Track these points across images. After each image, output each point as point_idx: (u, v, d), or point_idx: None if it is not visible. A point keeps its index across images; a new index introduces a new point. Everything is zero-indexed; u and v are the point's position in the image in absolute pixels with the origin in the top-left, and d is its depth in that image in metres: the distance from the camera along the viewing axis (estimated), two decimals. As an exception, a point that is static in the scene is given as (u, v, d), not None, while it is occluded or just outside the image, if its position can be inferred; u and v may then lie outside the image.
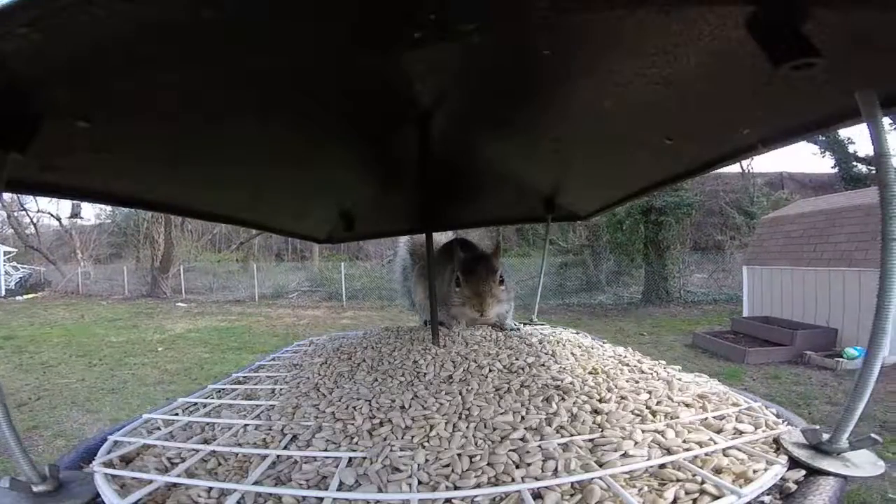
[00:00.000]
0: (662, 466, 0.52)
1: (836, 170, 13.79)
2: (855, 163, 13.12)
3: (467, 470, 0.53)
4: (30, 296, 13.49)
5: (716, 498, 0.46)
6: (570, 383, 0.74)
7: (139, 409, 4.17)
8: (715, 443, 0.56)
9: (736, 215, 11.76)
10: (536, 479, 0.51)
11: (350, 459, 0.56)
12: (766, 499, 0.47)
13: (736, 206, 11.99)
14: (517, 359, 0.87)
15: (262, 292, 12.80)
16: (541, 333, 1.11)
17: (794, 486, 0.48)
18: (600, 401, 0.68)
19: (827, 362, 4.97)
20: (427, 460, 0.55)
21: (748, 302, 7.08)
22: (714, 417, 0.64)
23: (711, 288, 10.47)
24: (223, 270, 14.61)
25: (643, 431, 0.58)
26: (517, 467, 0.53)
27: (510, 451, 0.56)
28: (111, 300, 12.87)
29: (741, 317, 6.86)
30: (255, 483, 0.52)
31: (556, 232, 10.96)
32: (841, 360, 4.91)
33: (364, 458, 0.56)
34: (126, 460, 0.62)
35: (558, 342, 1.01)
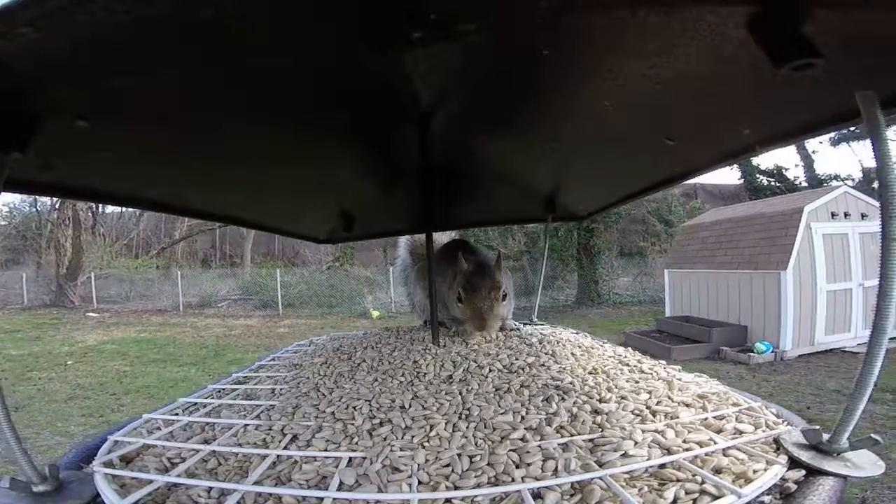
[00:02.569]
0: (662, 466, 0.52)
1: (741, 181, 14.91)
2: (758, 175, 14.22)
3: (467, 470, 0.53)
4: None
5: (716, 498, 0.46)
6: (570, 383, 0.74)
7: (48, 426, 3.82)
8: (715, 443, 0.56)
9: (656, 223, 12.73)
10: (536, 479, 0.51)
11: (350, 459, 0.56)
12: (766, 499, 0.47)
13: (656, 215, 12.84)
14: (517, 359, 0.87)
15: (188, 301, 11.86)
16: (541, 333, 1.11)
17: (794, 486, 0.48)
18: (600, 401, 0.68)
19: (740, 357, 5.52)
20: (427, 460, 0.55)
21: (670, 302, 7.72)
22: (714, 417, 0.64)
23: (636, 290, 11.46)
24: (141, 278, 13.32)
25: (643, 431, 0.58)
26: (517, 467, 0.53)
27: (510, 451, 0.56)
28: (7, 310, 11.45)
29: (665, 317, 7.47)
30: (256, 483, 0.52)
31: (496, 239, 11.39)
32: (752, 354, 5.44)
33: (364, 458, 0.56)
34: (126, 460, 0.62)
35: (558, 342, 1.01)
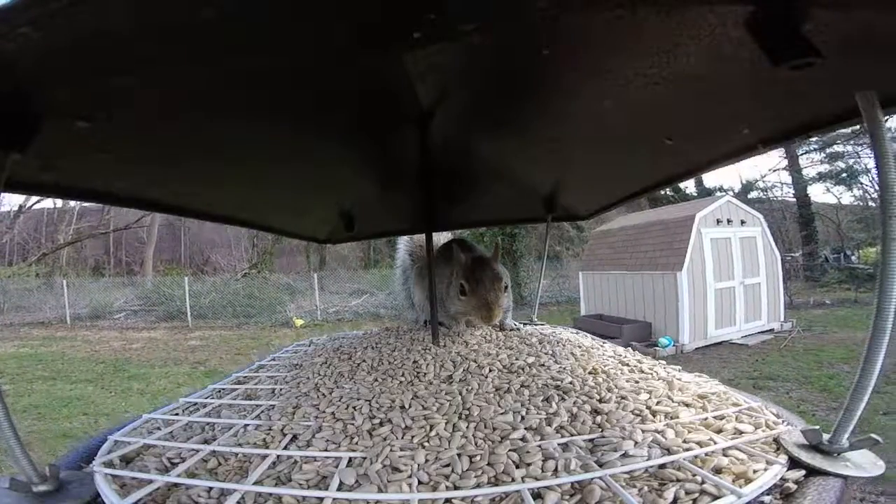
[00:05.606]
0: (662, 466, 0.52)
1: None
2: (659, 185, 15.29)
3: (467, 470, 0.53)
4: None
5: (716, 498, 0.46)
6: (570, 383, 0.74)
7: None
8: (715, 443, 0.56)
9: (570, 229, 13.69)
10: (536, 479, 0.51)
11: (350, 459, 0.56)
12: (766, 499, 0.47)
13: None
14: (517, 359, 0.87)
15: (77, 313, 10.80)
16: (541, 333, 1.11)
17: (794, 486, 0.48)
18: (600, 401, 0.68)
19: (648, 351, 5.92)
20: (427, 460, 0.55)
21: (584, 302, 8.49)
22: (714, 417, 0.64)
23: (554, 291, 12.15)
24: (17, 288, 11.90)
25: (643, 431, 0.58)
26: (517, 467, 0.53)
27: (510, 450, 0.56)
28: None
29: (581, 315, 8.11)
30: (256, 483, 0.52)
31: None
32: (657, 348, 6.00)
33: (364, 458, 0.56)
34: (126, 460, 0.62)
35: (558, 342, 1.01)
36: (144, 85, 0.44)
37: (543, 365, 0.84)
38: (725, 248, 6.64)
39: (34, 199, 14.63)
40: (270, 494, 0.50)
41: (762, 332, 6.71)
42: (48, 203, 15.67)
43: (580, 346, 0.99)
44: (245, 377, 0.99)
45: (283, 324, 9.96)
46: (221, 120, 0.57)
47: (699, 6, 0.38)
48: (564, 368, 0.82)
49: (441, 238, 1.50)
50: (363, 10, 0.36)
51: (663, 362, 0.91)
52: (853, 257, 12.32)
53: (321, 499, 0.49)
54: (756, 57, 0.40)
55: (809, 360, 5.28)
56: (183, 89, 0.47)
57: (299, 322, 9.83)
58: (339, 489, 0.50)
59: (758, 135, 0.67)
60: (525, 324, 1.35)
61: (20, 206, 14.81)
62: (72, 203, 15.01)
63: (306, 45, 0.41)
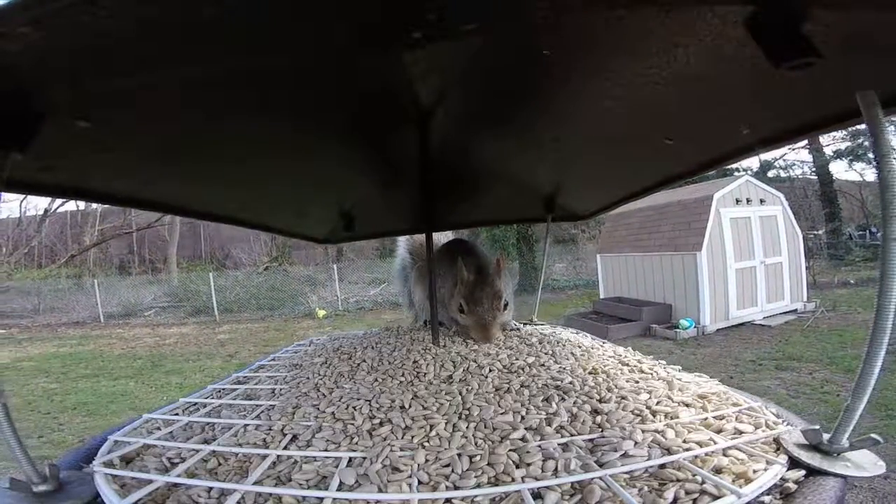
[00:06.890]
0: (662, 466, 0.52)
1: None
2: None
3: (467, 470, 0.53)
4: None
5: (716, 498, 0.46)
6: (570, 383, 0.74)
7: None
8: (715, 443, 0.56)
9: None
10: (536, 479, 0.51)
11: (350, 459, 0.56)
12: (766, 499, 0.47)
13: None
14: (517, 359, 0.87)
15: (109, 311, 11.17)
16: (541, 333, 1.11)
17: (794, 486, 0.48)
18: (600, 401, 0.68)
19: (668, 333, 6.09)
20: (427, 460, 0.55)
21: (603, 285, 8.36)
22: (714, 417, 0.64)
23: (571, 275, 12.25)
24: (50, 289, 12.35)
25: (643, 431, 0.58)
26: (517, 467, 0.53)
27: (510, 451, 0.56)
28: None
29: (599, 298, 8.07)
30: (256, 483, 0.52)
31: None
32: (678, 330, 5.99)
33: (364, 458, 0.56)
34: (126, 460, 0.62)
35: (558, 342, 1.01)
36: (145, 85, 0.44)
37: (543, 365, 0.84)
38: (745, 227, 6.51)
39: (59, 201, 14.91)
40: (270, 494, 0.50)
41: (785, 313, 6.55)
42: (71, 205, 16.02)
43: (580, 346, 0.99)
44: (245, 377, 0.99)
45: (306, 315, 10.08)
46: (221, 120, 0.57)
47: (699, 6, 0.38)
48: (564, 368, 0.82)
49: (441, 237, 1.50)
50: (363, 10, 0.36)
51: (663, 362, 0.91)
52: (878, 234, 12.08)
53: (321, 499, 0.49)
54: (756, 57, 0.39)
55: (833, 340, 5.16)
56: (183, 89, 0.47)
57: (322, 313, 9.92)
58: (339, 489, 0.50)
59: (758, 135, 0.67)
60: (525, 324, 1.35)
61: (46, 210, 15.05)
62: (94, 205, 15.31)
63: (306, 45, 0.41)
